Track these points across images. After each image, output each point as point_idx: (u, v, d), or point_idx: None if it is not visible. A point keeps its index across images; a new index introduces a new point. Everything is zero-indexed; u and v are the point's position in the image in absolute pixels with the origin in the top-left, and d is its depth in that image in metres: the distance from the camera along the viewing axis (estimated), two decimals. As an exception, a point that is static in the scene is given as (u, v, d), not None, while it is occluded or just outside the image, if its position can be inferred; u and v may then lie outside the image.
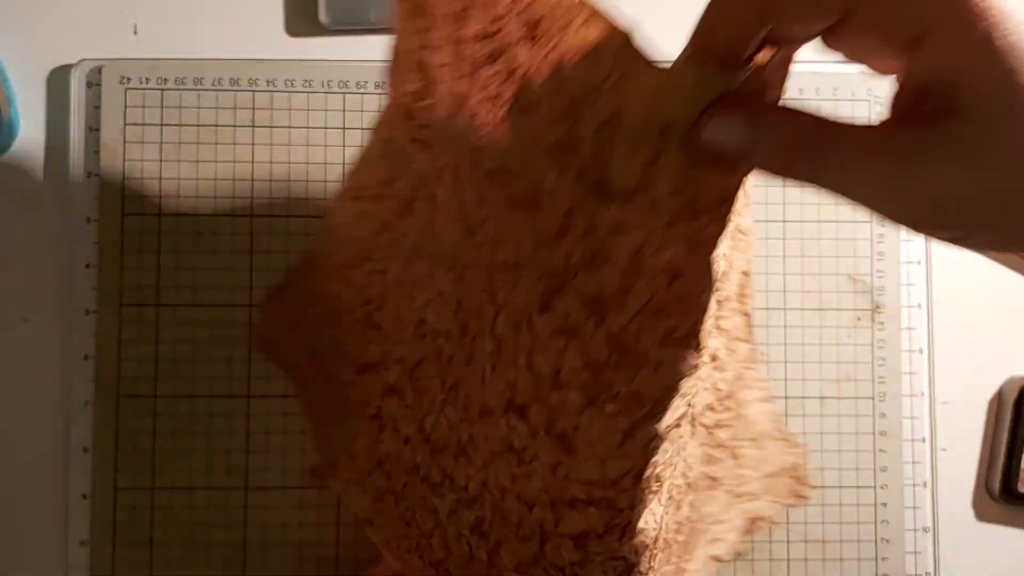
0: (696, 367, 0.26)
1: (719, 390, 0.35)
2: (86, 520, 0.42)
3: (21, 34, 0.43)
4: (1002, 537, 0.46)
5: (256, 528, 0.42)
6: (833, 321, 0.45)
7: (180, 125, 0.43)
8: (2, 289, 0.43)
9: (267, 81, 0.44)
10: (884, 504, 0.45)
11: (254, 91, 0.44)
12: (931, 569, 0.44)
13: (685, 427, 0.29)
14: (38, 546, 0.42)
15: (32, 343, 0.43)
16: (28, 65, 0.43)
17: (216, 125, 0.43)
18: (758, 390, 0.38)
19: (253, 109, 0.44)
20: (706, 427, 0.34)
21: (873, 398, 0.45)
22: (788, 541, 0.44)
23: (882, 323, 0.45)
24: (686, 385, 0.26)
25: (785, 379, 0.45)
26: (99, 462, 0.42)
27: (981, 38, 0.18)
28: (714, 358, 0.34)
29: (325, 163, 0.44)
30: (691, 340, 0.25)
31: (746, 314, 0.37)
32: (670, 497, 0.30)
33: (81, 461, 0.42)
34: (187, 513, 0.42)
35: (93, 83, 0.43)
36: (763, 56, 0.23)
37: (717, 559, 0.37)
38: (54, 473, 0.42)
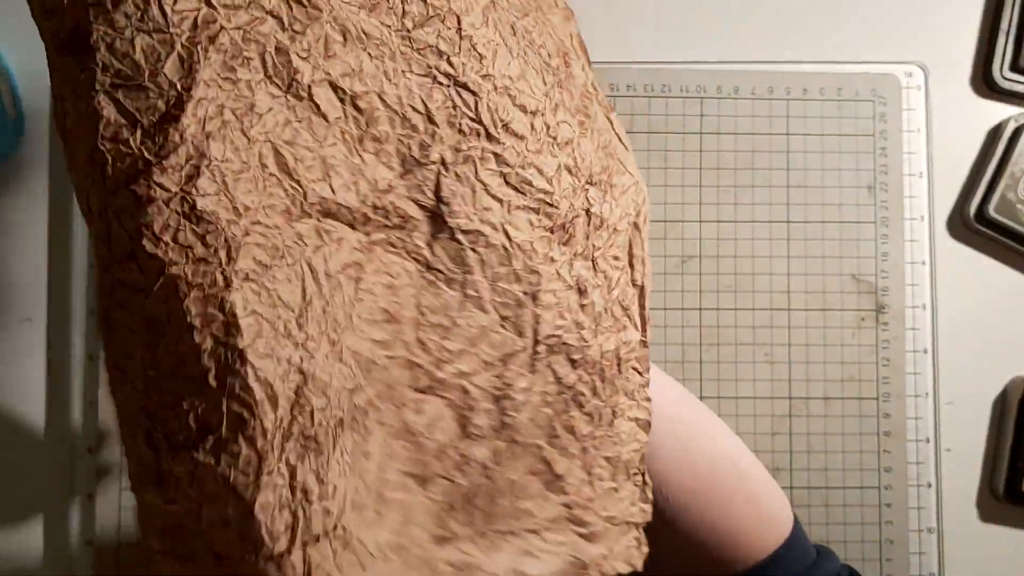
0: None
1: (584, 340, 0.29)
2: (92, 520, 0.42)
3: (27, 34, 0.43)
4: (1007, 538, 0.46)
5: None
6: (837, 321, 0.45)
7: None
8: (4, 289, 0.43)
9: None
10: (888, 505, 0.44)
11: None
12: (935, 570, 0.44)
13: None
14: (41, 545, 0.42)
15: (34, 343, 0.43)
16: (35, 65, 0.43)
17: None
18: (640, 407, 0.31)
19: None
20: (559, 380, 0.28)
21: (877, 398, 0.45)
22: (793, 542, 0.44)
23: (886, 323, 0.45)
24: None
25: (789, 379, 0.45)
26: (103, 462, 0.42)
27: None
28: (583, 291, 0.29)
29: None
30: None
31: (638, 285, 0.31)
32: None
33: (86, 461, 0.42)
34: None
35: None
36: None
37: None
38: (60, 473, 0.42)
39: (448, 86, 0.26)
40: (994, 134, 0.47)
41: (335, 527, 0.23)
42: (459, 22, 0.26)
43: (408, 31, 0.25)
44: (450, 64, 0.26)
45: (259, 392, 0.22)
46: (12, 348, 0.43)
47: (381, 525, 0.25)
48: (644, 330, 0.31)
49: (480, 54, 0.26)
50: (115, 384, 0.24)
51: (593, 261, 0.29)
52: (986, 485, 0.46)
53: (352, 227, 0.25)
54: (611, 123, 0.32)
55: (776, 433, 0.45)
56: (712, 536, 0.35)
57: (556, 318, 0.28)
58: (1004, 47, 0.47)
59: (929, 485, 0.45)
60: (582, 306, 0.29)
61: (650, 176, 0.46)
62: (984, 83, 0.47)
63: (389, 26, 0.25)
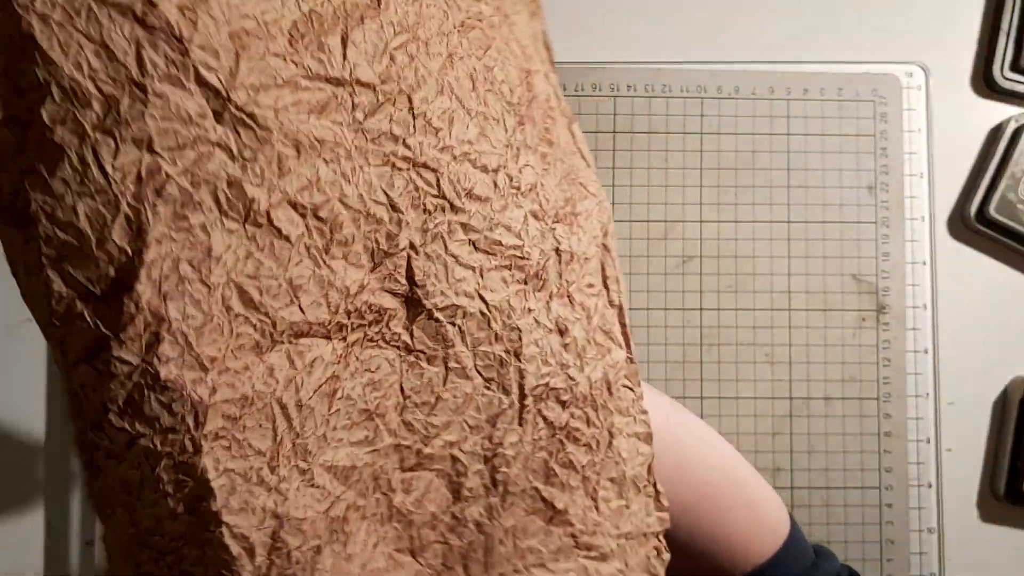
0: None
1: (571, 379, 0.29)
2: (92, 520, 0.42)
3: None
4: (1007, 538, 0.46)
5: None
6: (838, 322, 0.45)
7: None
8: (3, 289, 0.43)
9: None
10: (889, 505, 0.44)
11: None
12: (936, 570, 0.44)
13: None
14: (41, 545, 0.42)
15: (35, 343, 0.43)
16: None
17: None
18: (637, 422, 0.31)
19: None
20: (550, 424, 0.29)
21: (878, 399, 0.45)
22: (793, 542, 0.44)
23: (887, 324, 0.45)
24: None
25: (790, 379, 0.45)
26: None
27: None
28: (563, 331, 0.29)
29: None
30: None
31: (616, 305, 0.31)
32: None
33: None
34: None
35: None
36: None
37: None
38: (60, 473, 0.42)
39: (407, 170, 0.26)
40: (995, 134, 0.47)
41: None
42: (410, 101, 0.26)
43: (360, 123, 0.25)
44: (407, 147, 0.26)
45: (235, 548, 0.23)
46: (12, 348, 0.43)
47: None
48: (628, 347, 0.31)
49: (436, 128, 0.26)
50: (103, 518, 0.24)
51: (569, 297, 0.29)
52: (986, 485, 0.46)
53: (328, 338, 0.25)
54: (573, 137, 0.32)
55: (777, 433, 0.45)
56: (711, 545, 0.35)
57: (541, 367, 0.28)
58: (1005, 47, 0.47)
59: (930, 485, 0.45)
60: (565, 346, 0.29)
61: (650, 176, 0.46)
62: (985, 83, 0.47)
63: (341, 123, 0.25)
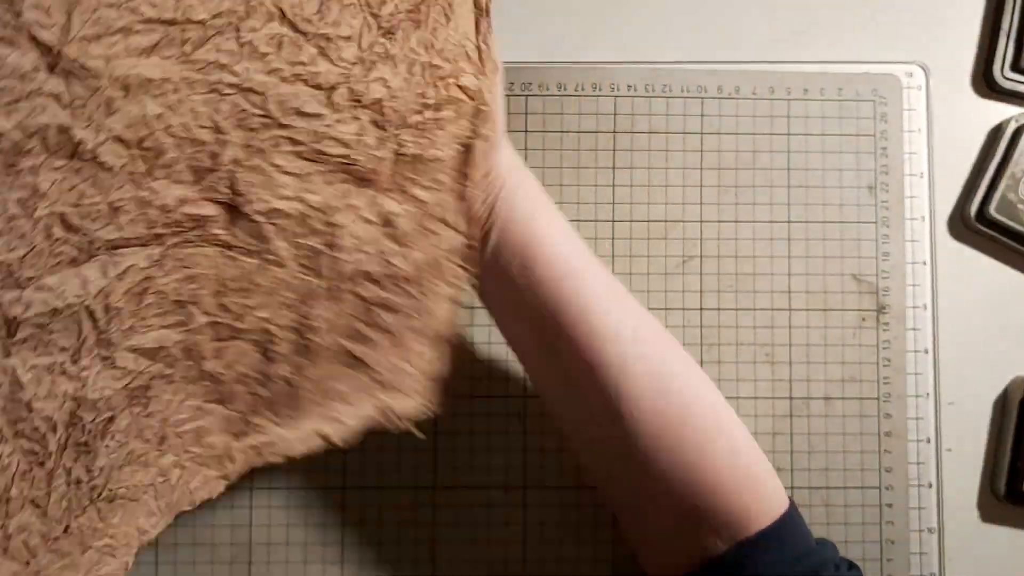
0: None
1: (392, 265, 0.33)
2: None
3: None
4: (1007, 538, 0.46)
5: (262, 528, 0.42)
6: (838, 322, 0.45)
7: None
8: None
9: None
10: (889, 505, 0.45)
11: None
12: (936, 570, 0.44)
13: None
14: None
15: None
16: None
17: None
18: (453, 288, 0.35)
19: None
20: (363, 299, 0.33)
21: (878, 399, 0.45)
22: (793, 542, 0.44)
23: (887, 324, 0.45)
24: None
25: (790, 379, 0.45)
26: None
27: None
28: (388, 222, 0.33)
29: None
30: None
31: (463, 198, 0.34)
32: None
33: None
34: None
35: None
36: None
37: (324, 438, 0.33)
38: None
39: (234, 94, 0.29)
40: (995, 134, 0.47)
41: (103, 492, 0.31)
42: (238, 31, 0.28)
43: (188, 56, 0.28)
44: (233, 73, 0.28)
45: (43, 427, 0.28)
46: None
47: (165, 455, 0.32)
48: (467, 236, 0.35)
49: (263, 53, 0.28)
50: None
51: (403, 191, 0.33)
52: (987, 485, 0.46)
53: (144, 246, 0.29)
54: (477, 32, 0.34)
55: (777, 433, 0.45)
56: (689, 481, 0.34)
57: (355, 254, 0.32)
58: (1005, 47, 0.47)
59: (930, 485, 0.45)
60: (388, 235, 0.33)
61: (650, 176, 0.46)
62: (985, 83, 0.47)
63: (169, 57, 0.27)
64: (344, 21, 0.30)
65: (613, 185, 0.45)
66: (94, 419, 0.29)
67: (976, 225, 0.46)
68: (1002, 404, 0.46)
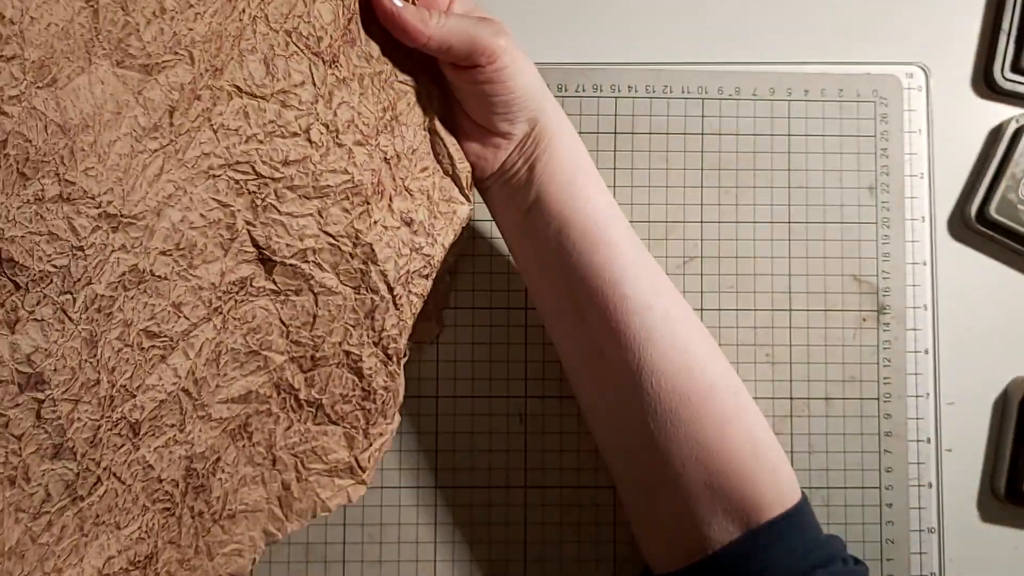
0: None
1: (427, 255, 0.37)
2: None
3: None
4: (1007, 538, 0.46)
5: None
6: (838, 322, 0.45)
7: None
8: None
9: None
10: (889, 505, 0.45)
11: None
12: (936, 570, 0.44)
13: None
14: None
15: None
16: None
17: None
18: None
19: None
20: (420, 295, 0.37)
21: (878, 399, 0.45)
22: (794, 542, 0.44)
23: (887, 324, 0.45)
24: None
25: (790, 380, 0.45)
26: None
27: None
28: (408, 222, 0.36)
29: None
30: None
31: (450, 174, 0.38)
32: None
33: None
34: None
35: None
36: None
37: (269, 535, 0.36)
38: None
39: (223, 174, 0.31)
40: (995, 135, 0.47)
41: (223, 513, 0.34)
42: (210, 120, 0.31)
43: (182, 160, 0.30)
44: (216, 156, 0.31)
45: (170, 488, 0.33)
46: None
47: (285, 473, 0.36)
48: (467, 198, 0.39)
49: (234, 128, 0.31)
50: None
51: (407, 190, 0.36)
52: (987, 485, 0.46)
53: (208, 320, 0.32)
54: None
55: (777, 433, 0.45)
56: (705, 461, 0.34)
57: (396, 259, 0.36)
58: (1005, 48, 0.47)
59: (930, 485, 0.45)
60: (415, 232, 0.36)
61: (651, 177, 0.46)
62: (985, 84, 0.47)
63: (171, 170, 0.30)
64: (293, 70, 0.33)
65: (614, 186, 0.46)
66: (204, 465, 0.33)
67: (976, 225, 0.46)
68: (1002, 404, 0.46)
